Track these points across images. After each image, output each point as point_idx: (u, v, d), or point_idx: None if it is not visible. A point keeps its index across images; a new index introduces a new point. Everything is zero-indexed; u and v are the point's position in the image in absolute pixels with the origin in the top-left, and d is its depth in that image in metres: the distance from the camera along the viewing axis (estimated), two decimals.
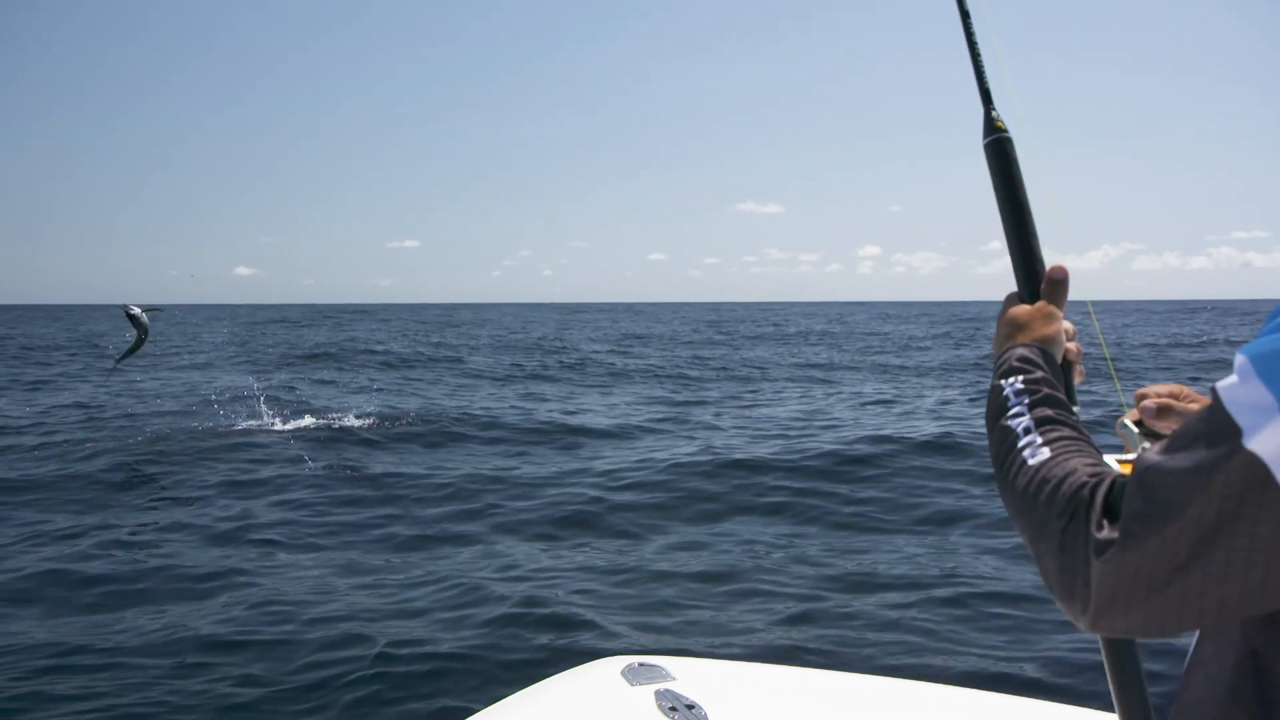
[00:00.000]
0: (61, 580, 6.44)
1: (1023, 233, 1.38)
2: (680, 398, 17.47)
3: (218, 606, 5.86)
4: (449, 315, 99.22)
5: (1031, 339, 1.21)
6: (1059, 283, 1.28)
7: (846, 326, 57.81)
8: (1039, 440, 1.02)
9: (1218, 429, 0.81)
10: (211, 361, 26.78)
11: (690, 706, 2.16)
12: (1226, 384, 0.82)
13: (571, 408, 15.79)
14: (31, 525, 8.02)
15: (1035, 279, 1.33)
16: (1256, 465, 0.77)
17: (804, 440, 11.40)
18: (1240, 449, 0.78)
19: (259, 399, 15.47)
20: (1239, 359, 0.82)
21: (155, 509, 8.74)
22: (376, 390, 19.12)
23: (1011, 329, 1.25)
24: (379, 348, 33.29)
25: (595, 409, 15.57)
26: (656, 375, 22.62)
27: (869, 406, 15.37)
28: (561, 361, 27.58)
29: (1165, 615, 0.84)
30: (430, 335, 45.19)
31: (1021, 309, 1.27)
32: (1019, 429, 1.06)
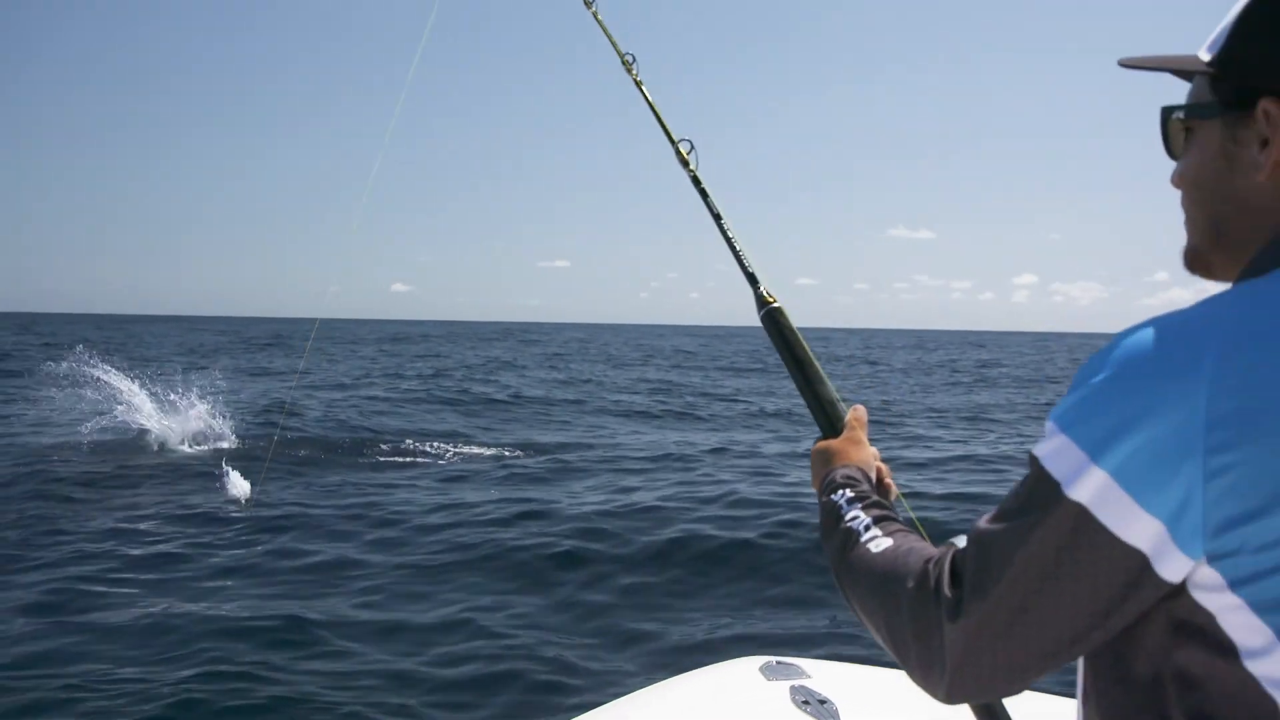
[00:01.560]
0: None
1: (812, 383, 1.57)
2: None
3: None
4: (591, 336, 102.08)
5: (848, 462, 1.31)
6: (859, 419, 1.43)
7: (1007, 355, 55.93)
8: (880, 533, 1.08)
9: (1040, 484, 0.88)
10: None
11: (823, 702, 2.27)
12: (1041, 447, 0.89)
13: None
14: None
15: (834, 418, 1.50)
16: (1078, 510, 0.84)
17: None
18: (1062, 498, 0.85)
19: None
20: (1048, 424, 0.90)
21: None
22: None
23: (826, 458, 1.35)
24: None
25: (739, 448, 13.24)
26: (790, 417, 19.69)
27: None
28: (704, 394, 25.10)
29: (1013, 665, 0.89)
30: (570, 359, 44.61)
31: (831, 441, 1.40)
32: (859, 527, 1.11)
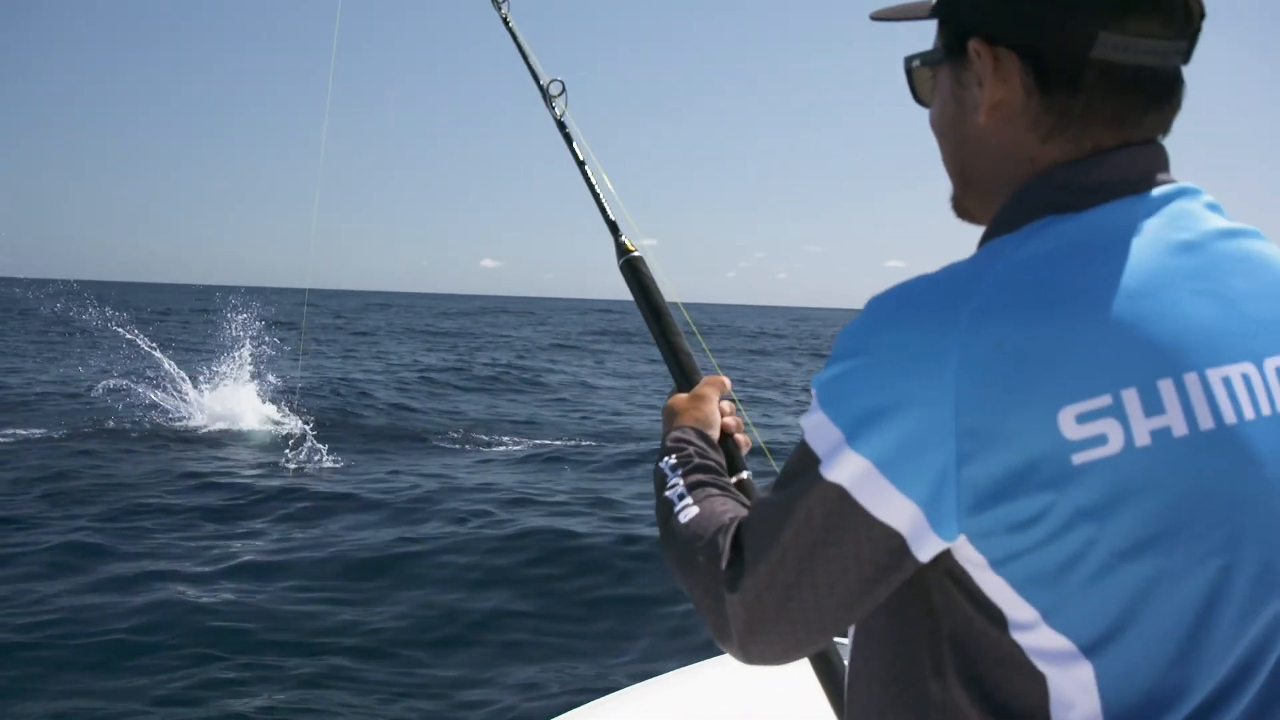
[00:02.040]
0: None
1: (667, 334, 1.61)
2: None
3: None
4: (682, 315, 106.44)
5: (685, 422, 1.32)
6: (715, 381, 1.43)
7: None
8: (690, 501, 1.10)
9: (803, 461, 0.89)
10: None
11: None
12: (806, 418, 0.89)
13: None
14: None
15: (686, 370, 1.54)
16: (837, 490, 0.85)
17: None
18: (820, 478, 0.86)
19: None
20: (813, 390, 0.90)
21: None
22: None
23: (669, 417, 1.36)
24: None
25: None
26: None
27: None
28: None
29: (793, 634, 0.91)
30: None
31: (677, 398, 1.41)
32: (674, 496, 1.13)
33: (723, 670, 2.50)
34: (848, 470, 0.84)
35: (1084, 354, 0.80)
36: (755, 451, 1.48)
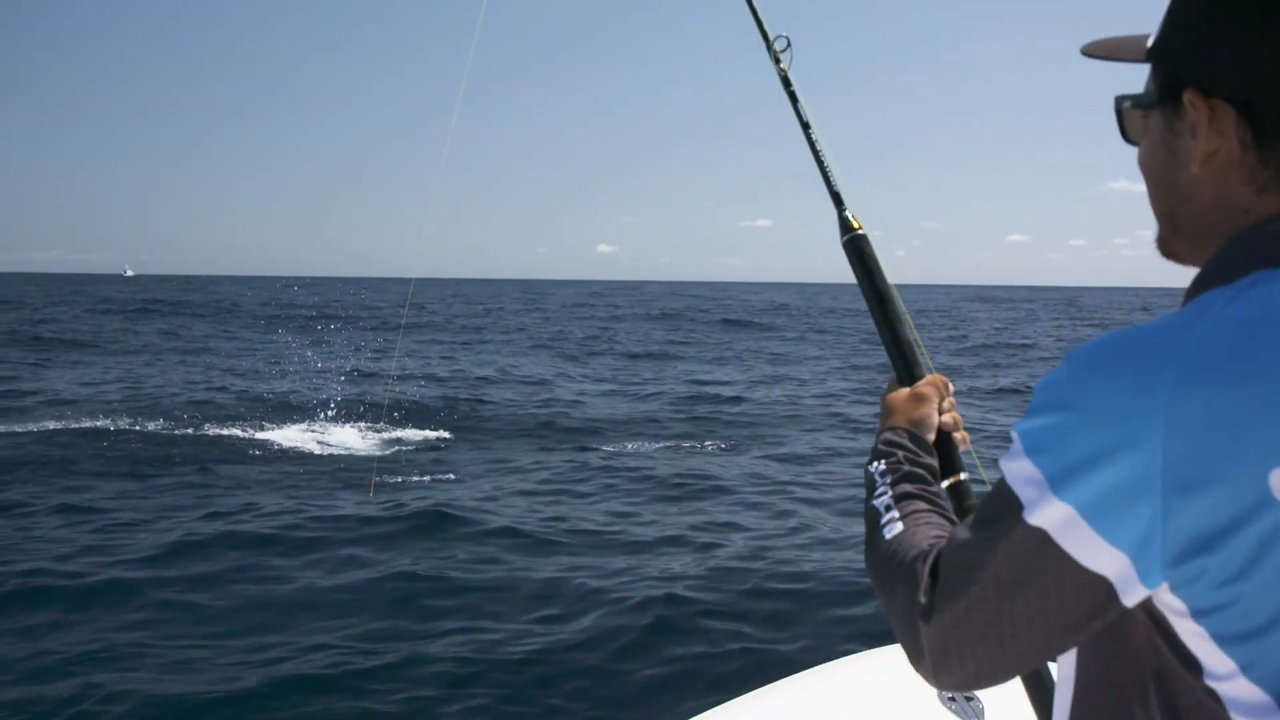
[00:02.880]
0: None
1: (892, 321, 1.54)
2: None
3: None
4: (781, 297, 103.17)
5: (900, 422, 1.32)
6: (936, 381, 1.41)
7: None
8: (896, 515, 1.12)
9: (1004, 503, 0.89)
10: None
11: (969, 699, 2.28)
12: (1008, 462, 0.90)
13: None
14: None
15: (910, 362, 1.49)
16: (1040, 534, 0.86)
17: None
18: (1024, 521, 0.87)
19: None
20: (1013, 434, 0.90)
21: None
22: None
23: (886, 414, 1.36)
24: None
25: None
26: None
27: None
28: None
29: (988, 666, 0.93)
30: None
31: (895, 394, 1.39)
32: (881, 507, 1.15)
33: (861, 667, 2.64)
34: (1051, 516, 0.85)
35: None
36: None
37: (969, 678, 0.94)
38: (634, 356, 25.99)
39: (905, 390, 1.39)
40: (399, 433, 12.77)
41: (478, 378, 18.55)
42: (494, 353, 25.62)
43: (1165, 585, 0.82)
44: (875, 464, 1.23)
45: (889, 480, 1.19)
